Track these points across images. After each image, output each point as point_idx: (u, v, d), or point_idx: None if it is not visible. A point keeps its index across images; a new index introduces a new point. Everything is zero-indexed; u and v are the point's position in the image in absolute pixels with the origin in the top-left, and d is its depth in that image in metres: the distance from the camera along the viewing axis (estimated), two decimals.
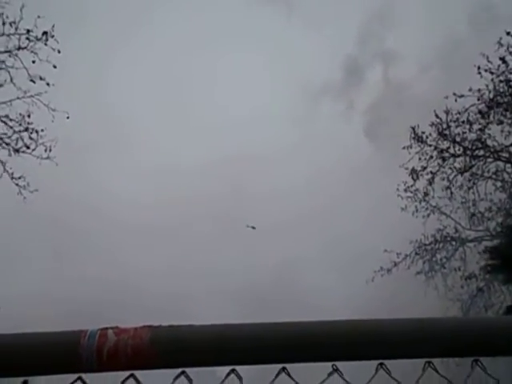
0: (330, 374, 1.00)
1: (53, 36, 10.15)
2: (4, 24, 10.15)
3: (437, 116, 14.29)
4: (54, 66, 10.22)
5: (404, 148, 14.53)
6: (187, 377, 0.82)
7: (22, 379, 0.81)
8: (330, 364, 0.90)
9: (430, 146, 14.56)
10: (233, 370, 0.81)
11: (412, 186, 15.63)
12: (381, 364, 1.04)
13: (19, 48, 10.08)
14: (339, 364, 0.96)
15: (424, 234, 15.60)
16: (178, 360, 0.80)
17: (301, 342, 0.82)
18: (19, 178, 11.01)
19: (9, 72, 10.20)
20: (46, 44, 10.08)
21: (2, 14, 10.14)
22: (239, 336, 0.80)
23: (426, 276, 15.50)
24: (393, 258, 15.87)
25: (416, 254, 15.56)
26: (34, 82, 10.27)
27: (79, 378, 0.79)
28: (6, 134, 10.71)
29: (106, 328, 0.81)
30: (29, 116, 11.18)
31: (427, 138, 14.54)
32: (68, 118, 11.06)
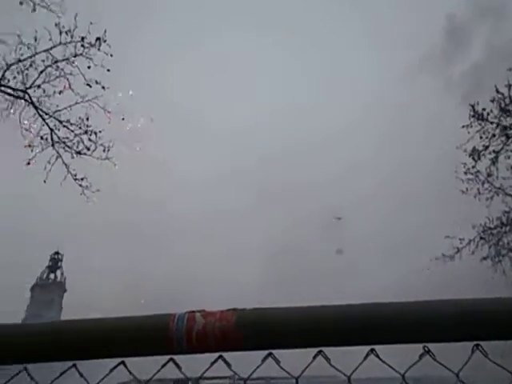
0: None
1: (105, 41, 10.58)
2: (61, 33, 10.68)
3: (497, 91, 13.45)
4: (108, 70, 10.67)
5: (463, 127, 13.79)
6: (275, 358, 0.82)
7: (118, 360, 0.85)
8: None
9: (492, 123, 13.73)
10: (320, 352, 0.81)
11: (473, 167, 14.83)
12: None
13: (75, 55, 10.59)
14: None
15: (488, 218, 14.78)
16: (264, 342, 0.81)
17: (391, 323, 0.80)
18: (82, 179, 11.60)
19: (67, 79, 10.75)
20: (99, 49, 10.53)
21: (59, 23, 10.66)
22: (326, 316, 0.79)
23: (493, 261, 14.71)
24: (455, 243, 15.20)
25: (481, 238, 14.79)
26: (90, 86, 10.77)
27: (171, 359, 0.82)
28: (67, 137, 11.30)
29: (193, 311, 0.84)
30: (87, 119, 11.74)
31: (488, 114, 13.71)
32: (123, 119, 11.51)
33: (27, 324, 0.93)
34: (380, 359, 0.83)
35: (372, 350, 0.82)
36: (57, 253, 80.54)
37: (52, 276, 79.68)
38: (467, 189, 16.01)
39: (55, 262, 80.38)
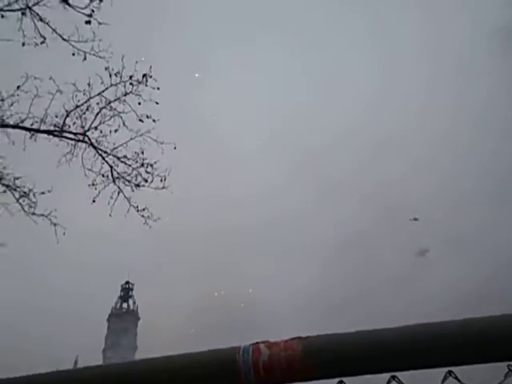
0: None
1: (151, 76, 11.10)
2: (111, 76, 11.32)
3: None
4: (157, 103, 11.15)
5: None
6: None
7: None
8: None
9: None
10: (393, 377, 0.77)
11: None
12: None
13: (126, 94, 11.17)
14: None
15: None
16: (333, 369, 0.79)
17: (470, 342, 0.74)
18: (143, 209, 12.09)
19: (121, 117, 11.35)
20: (146, 85, 11.05)
21: (108, 67, 11.31)
22: (396, 340, 0.76)
23: None
24: None
25: None
26: (142, 121, 11.29)
27: None
28: (125, 172, 11.85)
29: (258, 343, 0.83)
30: (142, 152, 12.27)
31: None
32: (175, 148, 11.93)
33: (93, 367, 0.98)
34: (459, 381, 0.77)
35: (450, 373, 0.76)
36: (127, 282, 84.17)
37: (125, 305, 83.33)
38: None
39: (126, 292, 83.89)
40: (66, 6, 8.02)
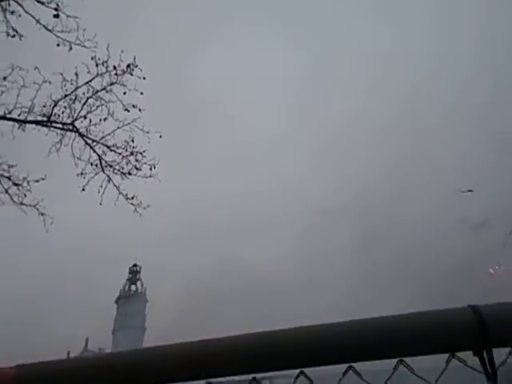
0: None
1: (136, 66, 11.14)
2: (97, 65, 11.37)
3: None
4: (141, 93, 11.23)
5: None
6: None
7: None
8: None
9: None
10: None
11: None
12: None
13: (111, 83, 11.25)
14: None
15: None
16: None
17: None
18: (132, 197, 12.27)
19: (107, 107, 11.44)
20: (131, 74, 11.10)
21: (95, 56, 11.35)
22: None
23: None
24: None
25: None
26: (128, 110, 11.38)
27: None
28: (115, 161, 12.00)
29: None
30: (132, 141, 12.40)
31: None
32: (160, 137, 12.02)
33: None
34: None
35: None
36: (135, 265, 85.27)
37: (133, 288, 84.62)
38: None
39: (134, 274, 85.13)
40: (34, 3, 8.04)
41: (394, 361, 0.85)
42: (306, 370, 0.87)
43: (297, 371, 0.90)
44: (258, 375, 0.95)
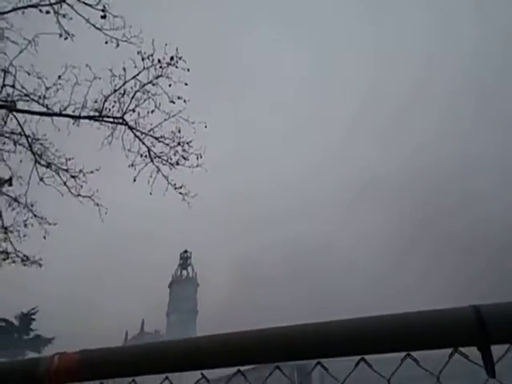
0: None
1: (180, 57, 11.41)
2: (143, 60, 11.75)
3: None
4: (186, 84, 11.51)
5: None
6: None
7: None
8: None
9: None
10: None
11: None
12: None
13: (157, 77, 11.61)
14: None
15: None
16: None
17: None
18: (180, 187, 12.69)
19: (153, 100, 11.84)
20: (176, 67, 11.39)
21: (140, 51, 11.72)
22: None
23: None
24: None
25: None
26: (173, 102, 11.71)
27: None
28: (163, 152, 12.44)
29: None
30: (179, 131, 12.77)
31: None
32: (206, 127, 12.28)
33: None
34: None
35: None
36: (185, 251, 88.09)
37: (184, 273, 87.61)
38: None
39: (185, 260, 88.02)
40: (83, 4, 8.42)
41: (402, 354, 0.94)
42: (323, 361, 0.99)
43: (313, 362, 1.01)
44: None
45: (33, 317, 48.44)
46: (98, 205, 12.29)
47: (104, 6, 8.65)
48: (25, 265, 13.18)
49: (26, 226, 12.77)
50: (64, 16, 9.16)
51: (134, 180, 12.85)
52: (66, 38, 9.45)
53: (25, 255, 13.10)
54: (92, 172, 13.33)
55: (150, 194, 13.26)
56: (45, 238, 12.65)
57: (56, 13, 9.13)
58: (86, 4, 8.73)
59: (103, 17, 8.90)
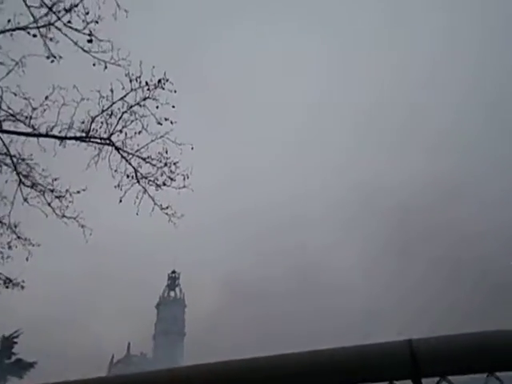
0: None
1: (167, 80, 11.54)
2: (131, 81, 11.86)
3: None
4: (173, 106, 11.61)
5: None
6: None
7: None
8: None
9: None
10: None
11: None
12: None
13: (144, 98, 11.70)
14: None
15: None
16: None
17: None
18: (166, 207, 12.67)
19: (141, 121, 11.91)
20: (163, 89, 11.52)
21: (128, 73, 11.84)
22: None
23: None
24: None
25: None
26: (161, 124, 11.79)
27: None
28: (149, 172, 12.46)
29: None
30: (166, 152, 12.81)
31: None
32: (192, 148, 12.36)
33: None
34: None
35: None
36: (173, 272, 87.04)
37: (172, 294, 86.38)
38: None
39: (173, 280, 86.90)
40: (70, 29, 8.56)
41: None
42: None
43: None
44: None
45: (15, 340, 47.09)
46: (82, 226, 12.20)
47: (90, 31, 8.82)
48: (7, 287, 12.95)
49: (10, 247, 12.60)
50: (51, 39, 9.26)
51: (120, 201, 12.82)
52: (52, 61, 9.54)
53: (7, 278, 12.88)
54: (78, 192, 13.27)
55: (137, 214, 13.22)
56: (27, 259, 12.47)
57: (43, 36, 9.23)
58: (73, 28, 8.86)
59: (90, 41, 9.04)
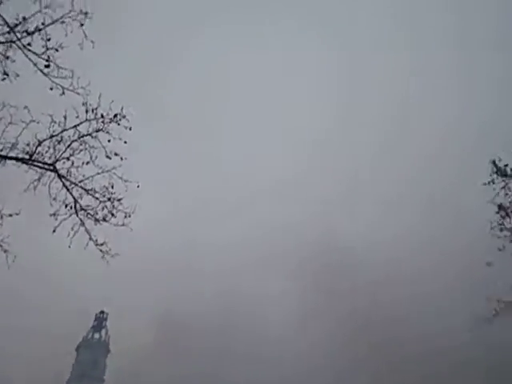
0: None
1: (124, 116, 11.51)
2: (87, 112, 11.73)
3: None
4: (125, 142, 11.50)
5: (485, 184, 13.43)
6: None
7: None
8: None
9: None
10: None
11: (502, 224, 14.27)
12: None
13: (97, 130, 11.55)
14: None
15: None
16: None
17: None
18: (102, 244, 12.17)
19: (90, 152, 11.67)
20: (118, 124, 11.44)
21: (86, 103, 11.72)
22: None
23: None
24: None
25: None
26: (109, 158, 11.59)
27: None
28: (89, 205, 12.04)
29: None
30: (112, 187, 12.50)
31: None
32: (138, 186, 12.16)
33: None
34: None
35: None
36: (102, 312, 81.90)
37: (97, 336, 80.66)
38: (504, 246, 15.32)
39: (100, 322, 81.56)
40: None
41: None
42: None
43: None
44: None
45: None
46: (5, 251, 11.42)
47: (49, 56, 8.77)
48: None
49: None
50: (7, 58, 9.08)
51: (54, 231, 12.20)
52: (3, 79, 9.30)
53: None
54: (10, 215, 12.53)
55: (69, 247, 12.59)
56: None
57: (0, 53, 9.04)
58: (31, 52, 8.79)
59: (47, 66, 8.95)
